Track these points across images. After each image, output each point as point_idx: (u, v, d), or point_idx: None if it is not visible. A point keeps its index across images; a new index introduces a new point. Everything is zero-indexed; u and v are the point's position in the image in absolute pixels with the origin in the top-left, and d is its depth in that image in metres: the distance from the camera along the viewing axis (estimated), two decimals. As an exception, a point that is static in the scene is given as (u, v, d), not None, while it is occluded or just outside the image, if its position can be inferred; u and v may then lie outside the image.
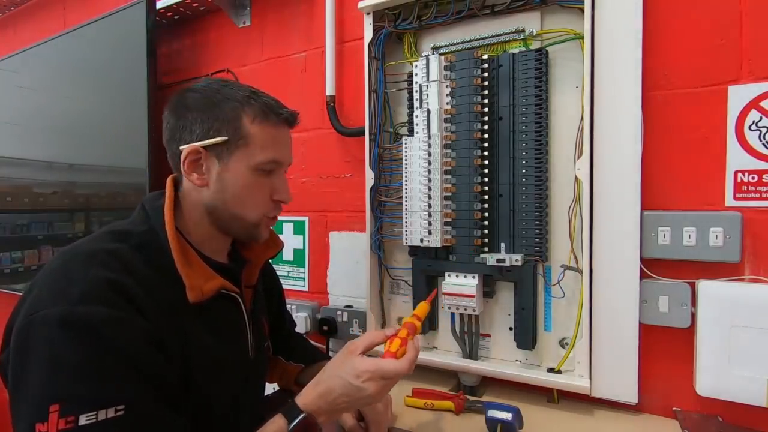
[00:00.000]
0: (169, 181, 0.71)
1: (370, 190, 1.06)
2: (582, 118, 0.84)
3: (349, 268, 1.21)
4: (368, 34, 1.05)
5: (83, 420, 0.49)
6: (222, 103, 0.66)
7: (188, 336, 0.62)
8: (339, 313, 1.18)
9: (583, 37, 0.84)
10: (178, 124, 0.68)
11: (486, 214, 0.93)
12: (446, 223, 0.95)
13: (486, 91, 0.92)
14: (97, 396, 0.51)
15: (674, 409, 0.83)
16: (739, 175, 0.79)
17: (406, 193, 0.98)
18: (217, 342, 0.66)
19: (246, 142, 0.67)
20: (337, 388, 0.62)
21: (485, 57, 0.92)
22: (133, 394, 0.53)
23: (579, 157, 0.84)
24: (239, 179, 0.67)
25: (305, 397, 0.63)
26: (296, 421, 0.60)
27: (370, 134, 1.06)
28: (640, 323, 0.81)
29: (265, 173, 0.69)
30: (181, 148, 0.66)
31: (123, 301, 0.56)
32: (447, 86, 0.94)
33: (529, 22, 0.91)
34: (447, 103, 0.94)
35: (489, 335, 0.98)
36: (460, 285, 0.93)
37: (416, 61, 0.97)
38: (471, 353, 0.97)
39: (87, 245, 0.61)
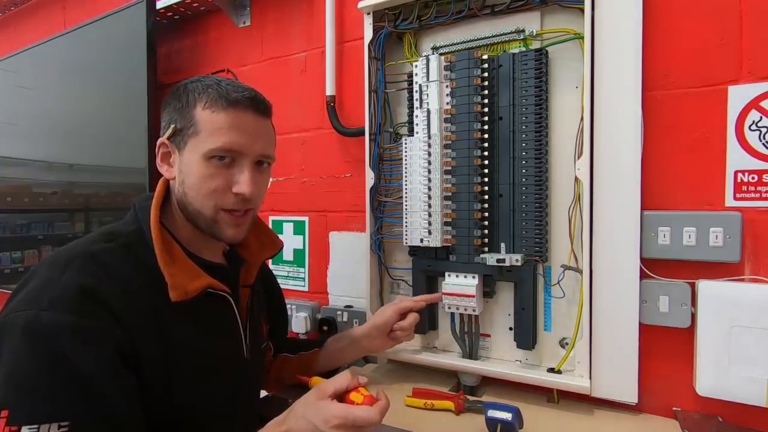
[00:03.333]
0: (162, 179, 0.71)
1: (370, 190, 1.06)
2: (582, 118, 0.84)
3: (349, 268, 1.21)
4: (368, 34, 1.05)
5: (25, 431, 0.49)
6: (184, 94, 0.67)
7: (172, 336, 0.61)
8: (339, 313, 1.18)
9: (583, 37, 0.84)
10: (160, 121, 0.70)
11: (486, 214, 0.93)
12: (446, 223, 0.95)
13: (486, 91, 0.92)
14: (42, 409, 0.51)
15: (674, 409, 0.83)
16: (739, 175, 0.79)
17: (406, 193, 0.98)
18: (205, 342, 0.66)
19: (196, 129, 0.65)
20: None
21: (485, 57, 0.92)
22: (81, 411, 0.52)
23: (579, 157, 0.84)
24: (192, 168, 0.66)
25: None
26: None
27: (370, 134, 1.06)
28: (640, 323, 0.81)
29: (223, 163, 0.65)
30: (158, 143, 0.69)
31: (95, 308, 0.55)
32: (447, 86, 0.94)
33: (529, 22, 0.91)
34: (447, 103, 0.94)
35: (489, 335, 0.98)
36: (460, 285, 0.93)
37: (416, 61, 0.97)
38: (471, 353, 0.97)
39: (71, 248, 0.61)
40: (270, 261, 1.32)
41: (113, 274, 0.59)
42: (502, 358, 0.96)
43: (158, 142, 0.69)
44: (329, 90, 1.20)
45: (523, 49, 0.92)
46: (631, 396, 0.81)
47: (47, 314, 0.53)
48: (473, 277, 0.93)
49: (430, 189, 0.95)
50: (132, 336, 0.57)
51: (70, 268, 0.57)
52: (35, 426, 0.49)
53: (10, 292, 0.59)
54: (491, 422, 0.75)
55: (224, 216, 0.67)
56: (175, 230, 0.69)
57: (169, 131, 0.67)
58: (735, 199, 0.79)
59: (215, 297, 0.68)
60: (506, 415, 0.74)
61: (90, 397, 0.53)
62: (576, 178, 0.85)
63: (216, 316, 0.70)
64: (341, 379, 0.62)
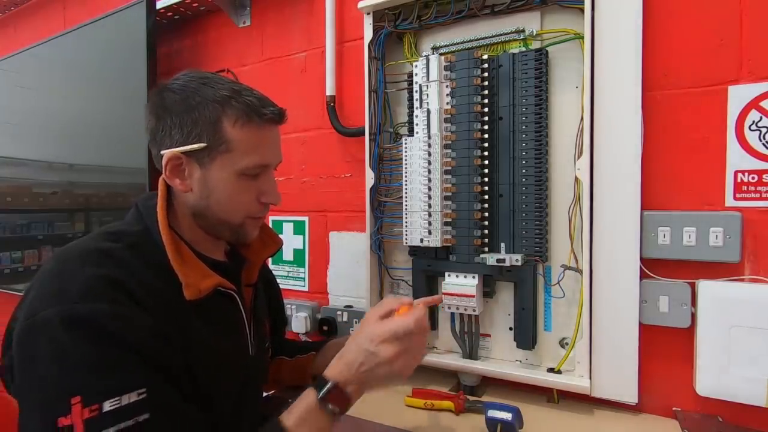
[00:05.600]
0: (161, 180, 0.70)
1: (370, 190, 1.06)
2: (582, 118, 0.84)
3: (349, 268, 1.21)
4: (368, 34, 1.05)
5: (107, 406, 0.50)
6: (201, 105, 0.64)
7: (187, 333, 0.62)
8: (339, 313, 1.18)
9: (583, 37, 0.84)
10: (158, 127, 0.66)
11: (486, 214, 0.93)
12: (446, 223, 0.95)
13: (486, 91, 0.92)
14: (116, 382, 0.51)
15: (674, 409, 0.83)
16: (739, 175, 0.79)
17: (406, 193, 0.98)
18: (216, 339, 0.66)
19: (228, 147, 0.64)
20: (359, 357, 0.61)
21: (485, 57, 0.92)
22: (151, 379, 0.54)
23: (579, 157, 0.84)
24: (223, 185, 0.65)
25: (332, 369, 0.62)
26: (325, 389, 0.59)
27: (370, 134, 1.06)
28: (640, 323, 0.81)
29: (252, 177, 0.67)
30: (162, 152, 0.65)
31: (123, 297, 0.56)
32: (447, 86, 0.94)
33: (529, 22, 0.91)
34: (447, 103, 0.94)
35: (489, 335, 0.98)
36: (460, 285, 0.93)
37: (416, 61, 0.97)
38: (471, 353, 0.97)
39: (81, 245, 0.61)
40: (270, 260, 1.32)
41: (129, 269, 0.59)
42: (502, 358, 0.96)
43: (168, 154, 0.64)
44: (329, 90, 1.20)
45: (523, 49, 0.92)
46: (631, 396, 0.81)
47: (81, 306, 0.53)
48: (473, 277, 0.93)
49: (430, 189, 0.95)
50: (158, 324, 0.58)
51: (88, 262, 0.57)
52: (116, 398, 0.50)
53: (10, 292, 0.59)
54: (491, 422, 0.75)
55: (249, 221, 0.70)
56: (181, 231, 0.69)
57: (191, 147, 0.63)
58: (735, 199, 0.79)
59: (223, 295, 0.69)
60: (506, 415, 0.74)
61: (152, 366, 0.54)
62: (576, 178, 0.85)
63: (225, 314, 0.70)
64: (385, 305, 0.67)
